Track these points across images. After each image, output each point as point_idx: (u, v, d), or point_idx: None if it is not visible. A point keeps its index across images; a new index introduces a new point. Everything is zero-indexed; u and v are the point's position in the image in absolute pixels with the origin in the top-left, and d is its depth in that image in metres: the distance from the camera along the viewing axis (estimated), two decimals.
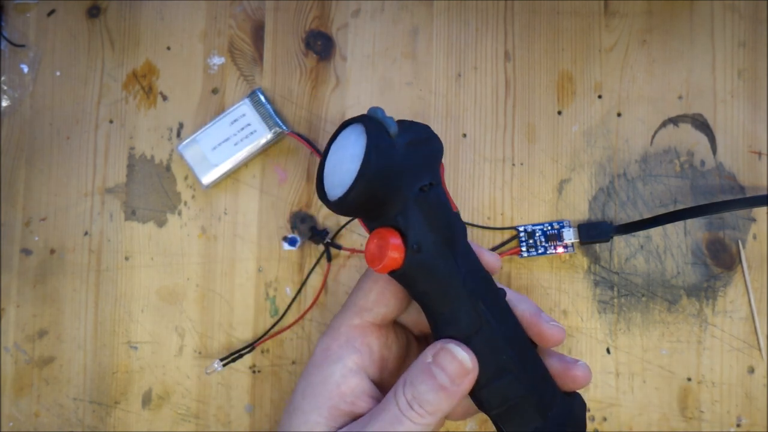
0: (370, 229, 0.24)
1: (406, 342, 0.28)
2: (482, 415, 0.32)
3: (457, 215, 0.25)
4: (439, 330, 0.24)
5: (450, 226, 0.24)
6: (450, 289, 0.24)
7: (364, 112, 0.24)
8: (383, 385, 0.27)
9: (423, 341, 0.29)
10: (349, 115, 0.37)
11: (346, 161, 0.23)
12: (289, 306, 0.36)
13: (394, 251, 0.22)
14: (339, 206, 0.23)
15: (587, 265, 0.35)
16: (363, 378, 0.26)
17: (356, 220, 0.35)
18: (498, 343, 0.24)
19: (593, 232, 0.34)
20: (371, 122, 0.23)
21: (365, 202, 0.22)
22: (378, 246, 0.23)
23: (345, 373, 0.25)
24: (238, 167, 0.37)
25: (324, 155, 0.24)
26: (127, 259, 0.38)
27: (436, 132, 0.26)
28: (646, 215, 0.35)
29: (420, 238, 0.23)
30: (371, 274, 0.27)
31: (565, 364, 0.27)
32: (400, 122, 0.24)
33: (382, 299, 0.26)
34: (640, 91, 0.36)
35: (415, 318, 0.28)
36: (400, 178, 0.23)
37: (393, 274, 0.23)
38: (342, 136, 0.24)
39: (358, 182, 0.22)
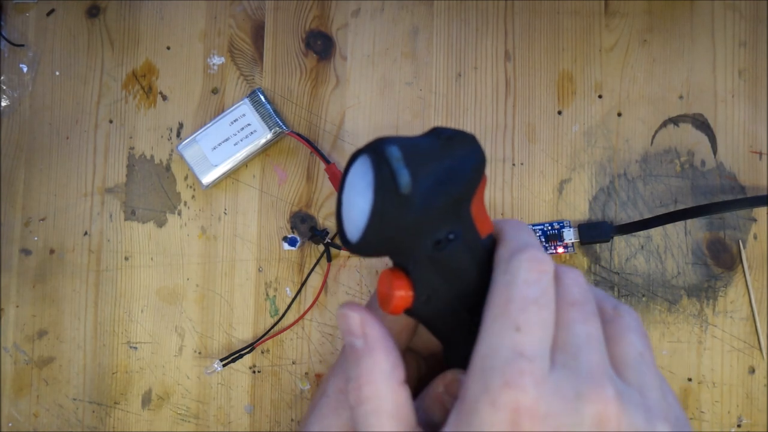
0: (394, 263, 0.22)
1: (417, 364, 0.28)
2: None
3: (484, 250, 0.22)
4: (449, 356, 0.24)
5: (466, 281, 0.21)
6: (457, 332, 0.23)
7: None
8: None
9: (431, 360, 0.29)
10: (349, 115, 0.37)
11: (357, 204, 0.20)
12: (289, 306, 0.36)
13: (400, 300, 0.21)
14: (355, 251, 0.21)
15: (588, 265, 0.35)
16: None
17: None
18: None
19: (593, 232, 0.34)
20: (382, 169, 0.19)
21: (377, 251, 0.21)
22: (385, 294, 0.21)
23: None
24: (238, 167, 0.37)
25: (341, 185, 0.21)
26: (126, 259, 0.38)
27: None
28: (647, 215, 0.35)
29: (429, 292, 0.21)
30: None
31: None
32: (439, 135, 0.21)
33: (395, 333, 0.25)
34: (640, 91, 0.36)
35: (425, 341, 0.28)
36: (414, 233, 0.20)
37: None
38: (353, 170, 0.21)
39: (365, 238, 0.20)
